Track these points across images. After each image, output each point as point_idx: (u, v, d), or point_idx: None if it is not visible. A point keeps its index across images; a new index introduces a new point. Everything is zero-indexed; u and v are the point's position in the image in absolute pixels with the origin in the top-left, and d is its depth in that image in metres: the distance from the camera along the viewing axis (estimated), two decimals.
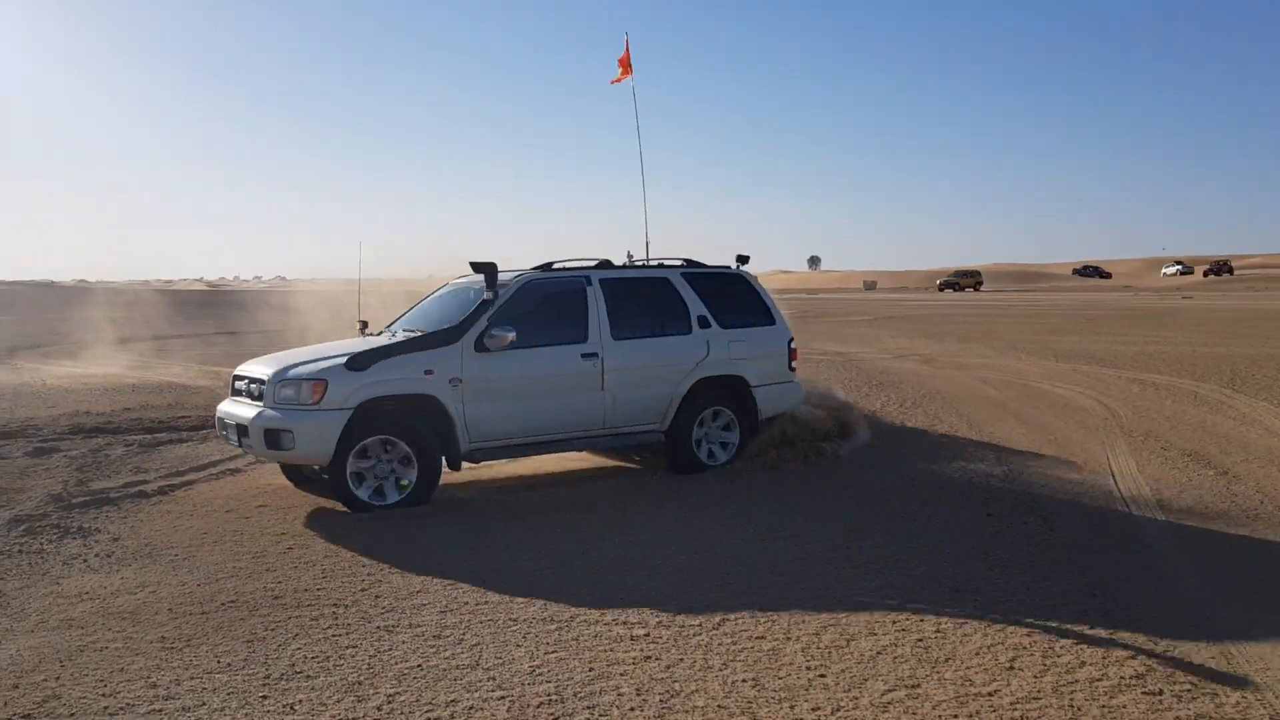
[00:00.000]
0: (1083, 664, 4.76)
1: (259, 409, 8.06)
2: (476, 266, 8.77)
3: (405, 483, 8.13)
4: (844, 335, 29.91)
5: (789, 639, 5.15)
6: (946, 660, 4.86)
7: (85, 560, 6.74)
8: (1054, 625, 5.27)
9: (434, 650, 5.03)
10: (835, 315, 44.17)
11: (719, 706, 4.35)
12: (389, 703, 4.42)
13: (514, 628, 5.35)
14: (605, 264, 9.61)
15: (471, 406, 8.37)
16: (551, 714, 4.30)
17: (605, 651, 5.00)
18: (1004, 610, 5.52)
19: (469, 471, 9.13)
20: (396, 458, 8.12)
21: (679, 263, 10.10)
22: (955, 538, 7.04)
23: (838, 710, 4.31)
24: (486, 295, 8.70)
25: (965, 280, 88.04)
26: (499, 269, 8.82)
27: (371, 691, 4.54)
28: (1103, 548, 6.79)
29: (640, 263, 10.28)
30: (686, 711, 4.30)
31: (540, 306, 8.98)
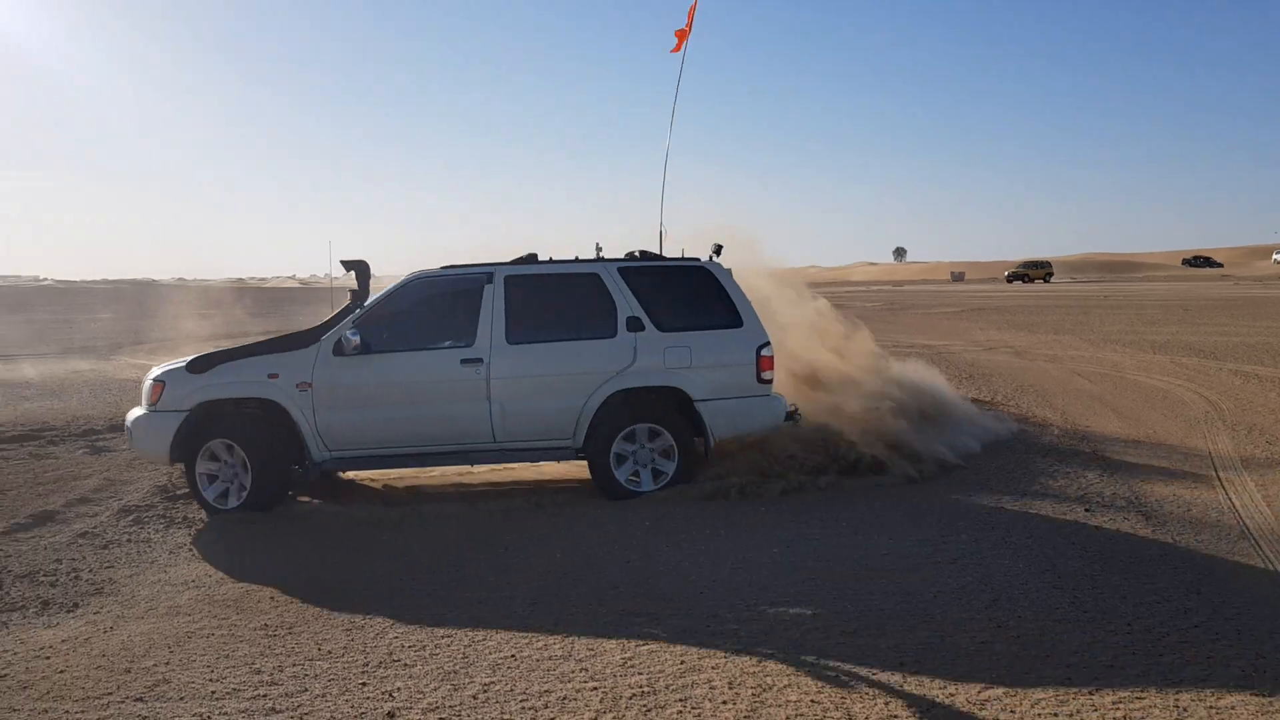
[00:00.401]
0: (1186, 663, 4.63)
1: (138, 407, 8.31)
2: (347, 265, 8.38)
3: (245, 488, 7.92)
4: (932, 328, 29.47)
5: (883, 634, 5.10)
6: (1046, 657, 4.77)
7: (190, 549, 6.97)
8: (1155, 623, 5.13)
9: (526, 641, 5.09)
10: (922, 307, 43.53)
11: (812, 701, 4.33)
12: (484, 691, 4.49)
13: (604, 619, 5.39)
14: (530, 259, 8.55)
15: (324, 414, 7.93)
16: (644, 705, 4.32)
17: (696, 645, 5.00)
18: (1102, 602, 5.40)
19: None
20: (238, 463, 7.93)
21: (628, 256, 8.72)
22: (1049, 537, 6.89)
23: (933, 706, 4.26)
24: (354, 297, 8.25)
25: (1034, 271, 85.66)
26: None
27: (467, 680, 4.62)
28: (1205, 542, 6.59)
29: (585, 257, 8.66)
30: (779, 705, 4.29)
31: (424, 307, 8.36)
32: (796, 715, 4.20)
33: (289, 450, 7.99)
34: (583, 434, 8.14)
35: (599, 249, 8.68)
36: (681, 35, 11.45)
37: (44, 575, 6.34)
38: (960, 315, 36.44)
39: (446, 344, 8.12)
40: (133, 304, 49.54)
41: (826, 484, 8.31)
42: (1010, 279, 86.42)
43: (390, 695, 4.47)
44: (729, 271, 8.58)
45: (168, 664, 4.88)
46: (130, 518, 7.72)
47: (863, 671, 4.63)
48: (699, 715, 4.21)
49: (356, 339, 7.86)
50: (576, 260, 8.59)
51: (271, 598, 5.88)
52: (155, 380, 8.08)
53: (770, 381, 8.44)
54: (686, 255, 8.84)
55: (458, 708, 4.33)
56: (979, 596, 5.60)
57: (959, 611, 5.37)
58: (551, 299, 8.38)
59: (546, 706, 4.33)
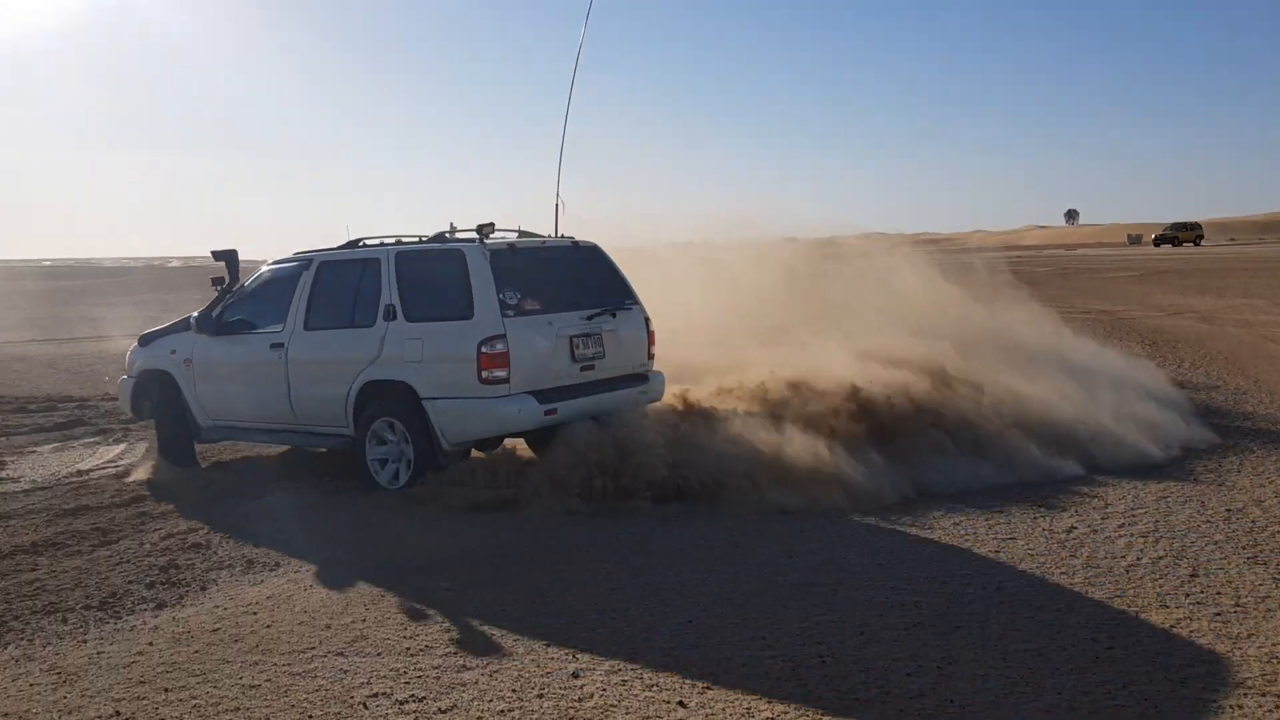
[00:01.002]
0: None
1: None
2: (217, 255, 9.01)
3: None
4: (1111, 293, 28.19)
5: (1071, 610, 4.92)
6: (1250, 635, 4.52)
7: (369, 518, 7.27)
8: None
9: (703, 610, 5.13)
10: (1099, 272, 41.62)
11: (1001, 675, 4.22)
12: (665, 656, 4.55)
13: (776, 590, 5.38)
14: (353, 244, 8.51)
15: (199, 386, 8.85)
16: (825, 675, 4.30)
17: (877, 617, 4.94)
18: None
19: None
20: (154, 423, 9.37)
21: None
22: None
23: None
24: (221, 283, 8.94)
25: (1184, 234, 79.71)
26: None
27: (647, 647, 4.68)
28: None
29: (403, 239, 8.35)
30: (965, 679, 4.20)
31: (269, 291, 8.69)
32: None
33: (183, 415, 9.06)
34: (351, 423, 7.91)
35: (451, 228, 8.09)
36: None
37: (247, 536, 6.73)
38: (1140, 279, 34.69)
39: (269, 328, 8.46)
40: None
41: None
42: (1158, 242, 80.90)
43: (574, 658, 4.58)
44: (485, 256, 7.54)
45: (364, 621, 5.12)
46: (317, 490, 8.05)
47: None
48: None
49: (193, 317, 8.90)
50: (368, 245, 8.38)
51: (452, 560, 6.09)
52: (129, 351, 9.60)
53: (500, 381, 7.30)
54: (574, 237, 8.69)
55: (637, 668, 4.40)
56: None
57: None
58: (346, 286, 8.17)
59: (728, 671, 4.35)
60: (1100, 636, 4.59)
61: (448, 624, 5.04)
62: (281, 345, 8.22)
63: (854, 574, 5.58)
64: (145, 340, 9.33)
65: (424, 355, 7.54)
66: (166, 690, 4.40)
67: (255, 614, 5.31)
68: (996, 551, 5.87)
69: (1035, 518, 6.51)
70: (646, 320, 8.40)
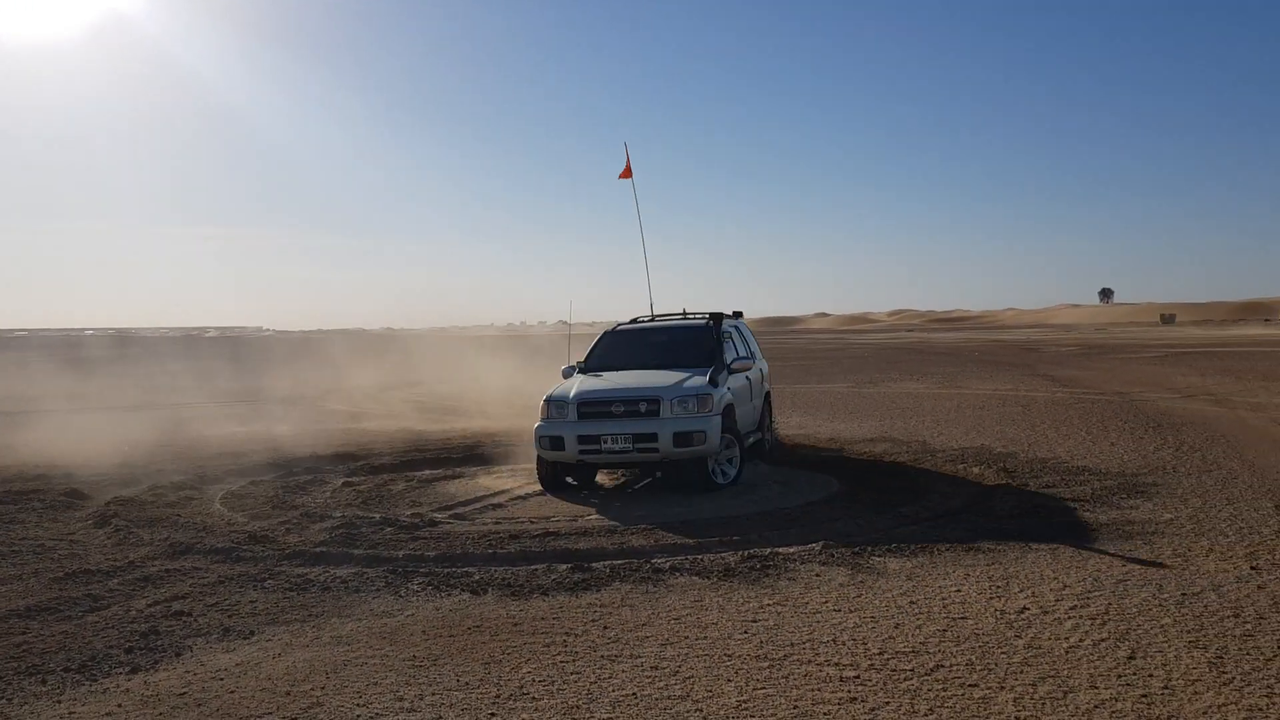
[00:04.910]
0: None
1: None
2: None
3: None
4: (1128, 374, 28.17)
5: (1003, 688, 5.06)
6: (1170, 718, 4.64)
7: (349, 583, 7.50)
8: None
9: (649, 680, 5.31)
10: (1121, 352, 41.51)
11: None
12: None
13: (728, 663, 5.55)
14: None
15: None
16: None
17: (813, 690, 5.10)
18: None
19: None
20: None
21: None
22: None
23: None
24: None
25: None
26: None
27: (587, 715, 4.87)
28: None
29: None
30: None
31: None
32: None
33: None
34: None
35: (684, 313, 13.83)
36: (626, 172, 14.91)
37: (226, 605, 6.99)
38: (1163, 360, 34.62)
39: None
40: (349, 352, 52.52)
41: None
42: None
43: None
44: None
45: (323, 689, 5.34)
46: (298, 561, 8.32)
47: None
48: None
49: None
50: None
51: (423, 631, 6.31)
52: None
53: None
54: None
55: None
56: None
57: None
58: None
59: None
60: (1024, 714, 4.74)
61: (400, 693, 5.24)
62: None
63: (800, 648, 5.74)
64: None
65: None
66: None
67: (222, 679, 5.54)
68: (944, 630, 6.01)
69: (990, 598, 6.63)
70: None
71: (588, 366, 12.57)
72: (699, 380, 11.31)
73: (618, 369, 12.26)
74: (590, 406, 11.13)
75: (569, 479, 11.64)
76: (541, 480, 11.55)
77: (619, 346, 13.02)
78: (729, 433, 11.30)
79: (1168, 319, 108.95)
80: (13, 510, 10.52)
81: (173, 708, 5.14)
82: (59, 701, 5.28)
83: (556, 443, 11.13)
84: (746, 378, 12.71)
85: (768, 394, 14.37)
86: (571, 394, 11.31)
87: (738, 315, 14.23)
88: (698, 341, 12.55)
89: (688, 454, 10.87)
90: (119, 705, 5.20)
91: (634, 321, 13.86)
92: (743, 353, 13.21)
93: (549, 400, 11.43)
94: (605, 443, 10.93)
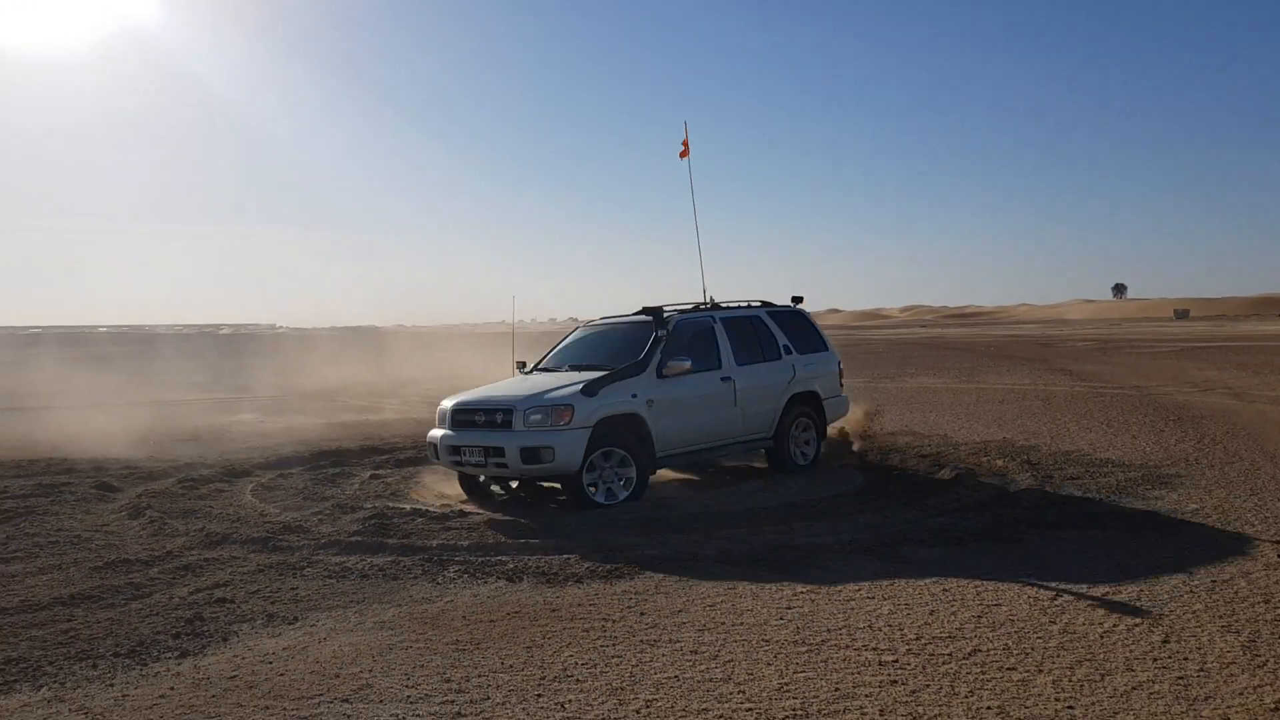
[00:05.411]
0: None
1: None
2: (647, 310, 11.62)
3: None
4: (1144, 368, 28.12)
5: (1041, 671, 5.14)
6: (1207, 698, 4.72)
7: (385, 570, 7.61)
8: None
9: (690, 664, 5.41)
10: (1137, 347, 41.43)
11: None
12: (647, 707, 4.82)
13: (766, 648, 5.64)
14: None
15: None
16: None
17: (853, 674, 5.19)
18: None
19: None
20: None
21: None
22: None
23: None
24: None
25: None
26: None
27: (632, 697, 4.97)
28: None
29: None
30: None
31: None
32: None
33: None
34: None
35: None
36: (685, 151, 13.92)
37: (267, 592, 7.11)
38: (1179, 354, 34.54)
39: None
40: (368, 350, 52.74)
41: None
42: None
43: (561, 706, 4.87)
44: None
45: (370, 671, 5.45)
46: (334, 550, 8.43)
47: None
48: None
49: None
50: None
51: (464, 616, 6.42)
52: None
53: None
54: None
55: None
56: None
57: None
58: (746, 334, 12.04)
59: None
60: (1062, 695, 4.82)
61: (447, 675, 5.35)
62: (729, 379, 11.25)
63: (837, 634, 5.83)
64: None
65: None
66: None
67: (270, 663, 5.66)
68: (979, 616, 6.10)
69: (1023, 586, 6.71)
70: None
71: (541, 365, 11.73)
72: (572, 390, 10.02)
73: (564, 369, 11.24)
74: (460, 414, 10.39)
75: (493, 487, 10.96)
76: (460, 485, 11.01)
77: (580, 344, 11.93)
78: (620, 448, 10.00)
79: (1181, 314, 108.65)
80: (45, 503, 10.65)
81: (224, 690, 5.25)
82: (111, 685, 5.39)
83: (432, 450, 10.66)
84: (726, 380, 11.12)
85: (808, 395, 12.10)
86: (453, 401, 10.64)
87: (797, 301, 12.81)
88: (637, 341, 11.06)
89: (540, 471, 9.88)
90: (171, 688, 5.31)
91: (604, 318, 12.40)
92: (785, 344, 11.95)
93: (440, 406, 10.89)
94: (464, 454, 10.19)
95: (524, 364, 11.98)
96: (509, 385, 10.96)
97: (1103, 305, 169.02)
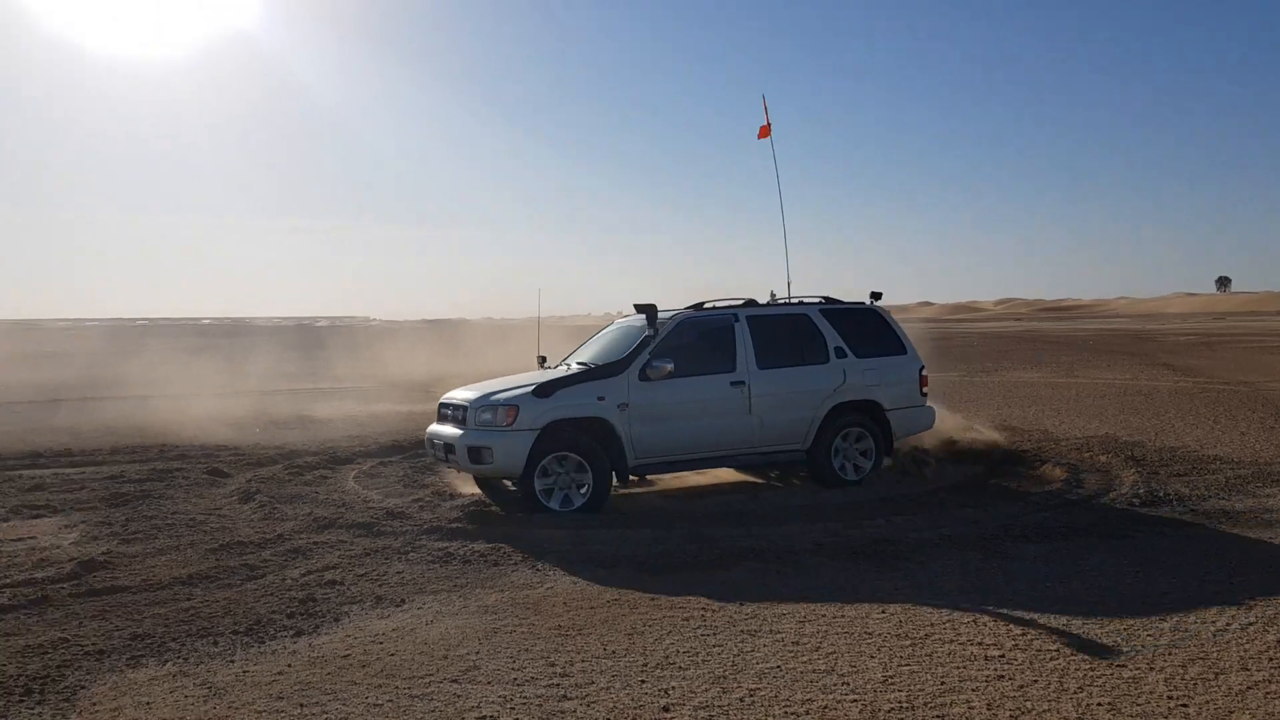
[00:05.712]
0: None
1: None
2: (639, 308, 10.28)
3: None
4: (1252, 364, 27.19)
5: (1153, 669, 5.05)
6: None
7: (488, 558, 7.76)
8: None
9: (792, 655, 5.42)
10: (1243, 341, 40.03)
11: None
12: (750, 695, 4.86)
13: (869, 640, 5.63)
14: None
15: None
16: (901, 719, 4.54)
17: (958, 668, 5.15)
18: None
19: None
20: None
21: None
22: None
23: None
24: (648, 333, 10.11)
25: None
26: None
27: (734, 685, 5.00)
28: None
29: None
30: None
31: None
32: None
33: None
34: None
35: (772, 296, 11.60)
36: (765, 131, 13.36)
37: (375, 575, 7.31)
38: None
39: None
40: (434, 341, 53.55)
41: None
42: None
43: (665, 693, 4.93)
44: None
45: (478, 653, 5.58)
46: (436, 536, 8.62)
47: None
48: None
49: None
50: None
51: (565, 603, 6.53)
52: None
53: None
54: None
55: (725, 708, 4.72)
56: None
57: None
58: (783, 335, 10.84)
59: (808, 714, 4.64)
60: (1175, 694, 4.73)
61: (551, 659, 5.45)
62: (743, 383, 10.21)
63: (941, 628, 5.79)
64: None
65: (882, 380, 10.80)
66: (302, 705, 4.92)
67: (381, 643, 5.83)
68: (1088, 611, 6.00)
69: (1132, 582, 6.58)
70: None
71: (565, 361, 11.32)
72: (522, 390, 9.56)
73: (574, 366, 10.72)
74: (441, 408, 10.38)
75: (504, 481, 10.28)
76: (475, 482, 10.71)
77: (604, 342, 11.23)
78: (575, 452, 9.40)
79: None
80: (161, 487, 11.07)
81: (339, 668, 5.42)
82: (232, 661, 5.61)
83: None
84: (738, 384, 10.14)
85: (865, 404, 10.72)
86: (445, 395, 10.50)
87: (875, 298, 11.48)
88: (630, 341, 10.43)
89: (486, 471, 9.68)
90: (288, 665, 5.50)
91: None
92: (837, 345, 10.67)
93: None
94: (435, 448, 10.11)
95: (544, 359, 11.60)
96: (499, 380, 10.61)
97: (1206, 299, 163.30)
